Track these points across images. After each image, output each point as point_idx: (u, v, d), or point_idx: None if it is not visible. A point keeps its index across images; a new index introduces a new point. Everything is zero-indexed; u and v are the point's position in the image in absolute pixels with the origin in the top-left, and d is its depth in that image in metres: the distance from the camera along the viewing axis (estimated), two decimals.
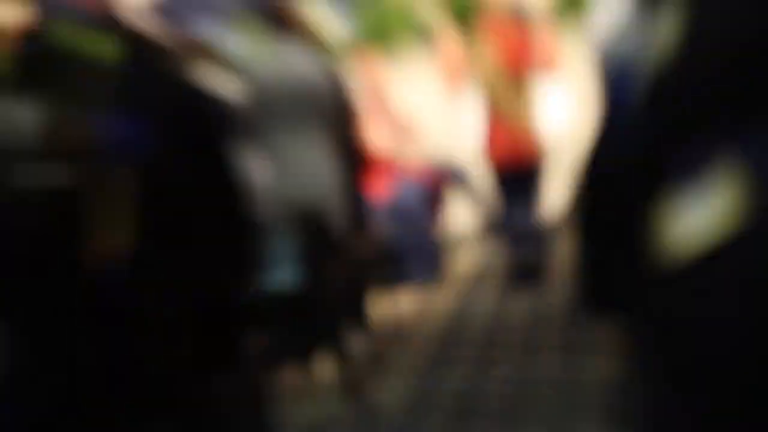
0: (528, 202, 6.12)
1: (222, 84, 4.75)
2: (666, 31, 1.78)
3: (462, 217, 7.02)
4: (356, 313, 5.35)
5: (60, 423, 2.69)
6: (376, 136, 6.24)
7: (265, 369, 4.10)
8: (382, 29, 7.62)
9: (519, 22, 6.03)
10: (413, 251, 6.13)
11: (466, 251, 7.51)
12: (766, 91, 1.28)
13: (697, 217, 0.98)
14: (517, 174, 5.97)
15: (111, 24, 4.31)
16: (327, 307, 5.18)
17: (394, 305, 6.14)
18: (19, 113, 3.01)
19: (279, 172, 4.81)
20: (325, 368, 5.09)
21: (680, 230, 1.00)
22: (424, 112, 6.90)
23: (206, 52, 5.02)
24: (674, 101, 1.71)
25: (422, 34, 7.57)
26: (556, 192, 6.37)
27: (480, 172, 6.32)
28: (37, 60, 2.98)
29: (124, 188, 2.93)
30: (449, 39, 6.43)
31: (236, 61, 5.98)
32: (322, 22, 6.67)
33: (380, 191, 6.16)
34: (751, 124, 1.04)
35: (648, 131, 1.77)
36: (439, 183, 6.49)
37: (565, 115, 6.40)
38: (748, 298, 0.93)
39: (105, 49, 4.10)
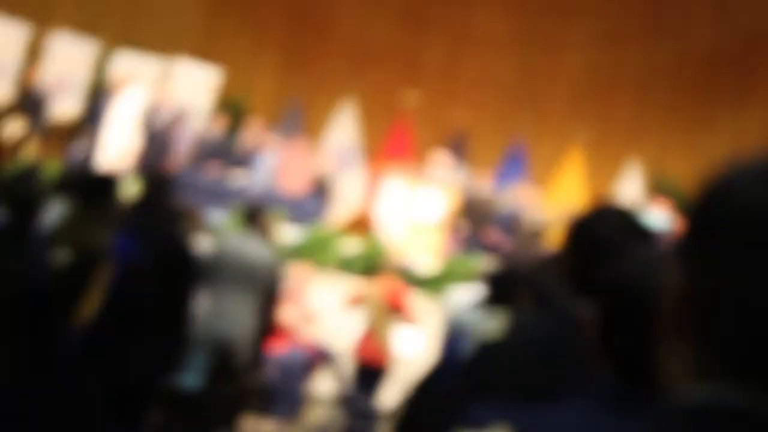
0: (373, 390, 7.75)
1: (198, 242, 6.30)
2: (495, 325, 2.10)
3: (326, 385, 8.54)
4: (232, 423, 6.34)
5: None
6: (288, 313, 7.96)
7: None
8: (317, 251, 9.89)
9: (402, 278, 8.30)
10: (285, 394, 7.44)
11: (321, 408, 8.76)
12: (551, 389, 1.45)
13: None
14: (371, 371, 7.73)
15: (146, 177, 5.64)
16: (212, 412, 6.08)
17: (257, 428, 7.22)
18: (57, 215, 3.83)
19: (213, 311, 6.09)
20: None
21: None
22: (326, 312, 8.76)
23: (196, 219, 6.70)
24: (482, 372, 2.04)
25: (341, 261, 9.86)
26: (392, 391, 7.94)
27: (348, 360, 8.03)
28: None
29: (106, 279, 3.82)
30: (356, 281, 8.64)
31: (213, 231, 7.69)
32: (280, 231, 8.66)
33: (278, 349, 7.63)
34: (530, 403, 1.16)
35: (461, 385, 2.14)
36: (317, 356, 8.07)
37: (413, 346, 8.30)
38: None
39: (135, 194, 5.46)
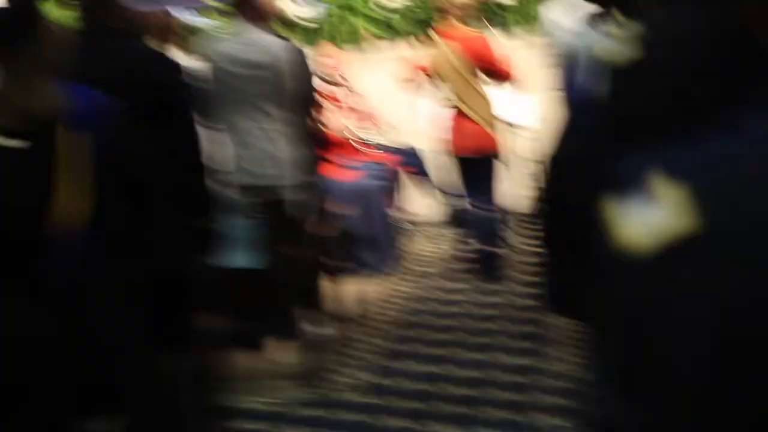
0: (486, 191, 5.82)
1: (186, 60, 4.47)
2: (616, 44, 1.76)
3: (420, 202, 6.72)
4: (312, 296, 5.01)
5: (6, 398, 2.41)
6: (337, 118, 6.04)
7: (219, 350, 3.82)
8: (351, 19, 7.23)
9: (474, 24, 5.92)
10: (371, 236, 5.80)
11: (424, 237, 7.09)
12: (722, 99, 1.22)
13: (647, 217, 0.91)
14: (478, 165, 5.75)
15: None
16: (283, 290, 4.81)
17: (351, 290, 5.71)
18: None
19: (237, 152, 4.73)
20: (282, 352, 4.74)
21: (630, 230, 0.92)
22: (386, 101, 6.66)
23: (174, 30, 4.84)
24: (627, 104, 1.72)
25: (388, 28, 7.29)
26: (512, 183, 6.14)
27: (440, 160, 6.04)
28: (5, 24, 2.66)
29: (82, 156, 2.69)
30: (414, 39, 6.23)
31: (201, 40, 5.56)
32: (291, 7, 6.35)
33: (340, 172, 5.86)
34: (702, 132, 0.95)
35: (600, 130, 1.78)
36: (398, 166, 6.19)
37: (520, 112, 6.24)
38: (710, 298, 0.86)
39: (72, 16, 3.67)
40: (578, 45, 3.58)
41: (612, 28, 1.95)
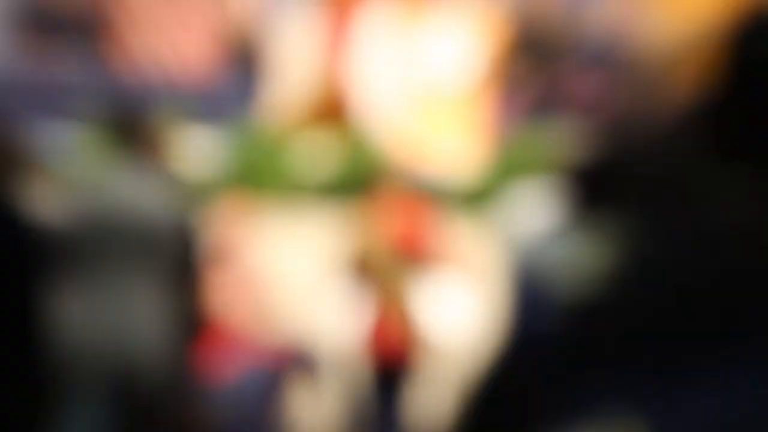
0: (399, 403, 5.44)
1: (40, 205, 3.83)
2: (601, 254, 1.62)
3: (312, 409, 5.99)
4: None
5: None
6: (223, 299, 5.48)
7: None
8: (261, 174, 6.27)
9: (420, 198, 5.49)
10: None
11: None
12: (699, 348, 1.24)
13: None
14: (393, 371, 5.35)
15: None
16: None
17: None
18: None
19: (96, 323, 4.23)
20: None
21: None
22: (292, 280, 5.93)
23: (27, 163, 4.26)
24: (590, 341, 1.57)
25: (309, 186, 6.39)
26: (431, 398, 5.56)
27: (347, 363, 5.50)
28: None
29: None
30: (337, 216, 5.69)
31: (65, 180, 4.78)
32: (185, 154, 5.54)
33: (218, 367, 5.33)
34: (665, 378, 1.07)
35: (555, 362, 1.64)
36: (287, 367, 5.58)
37: (459, 315, 5.65)
38: None
39: None
40: (547, 253, 3.33)
41: (595, 239, 1.68)
